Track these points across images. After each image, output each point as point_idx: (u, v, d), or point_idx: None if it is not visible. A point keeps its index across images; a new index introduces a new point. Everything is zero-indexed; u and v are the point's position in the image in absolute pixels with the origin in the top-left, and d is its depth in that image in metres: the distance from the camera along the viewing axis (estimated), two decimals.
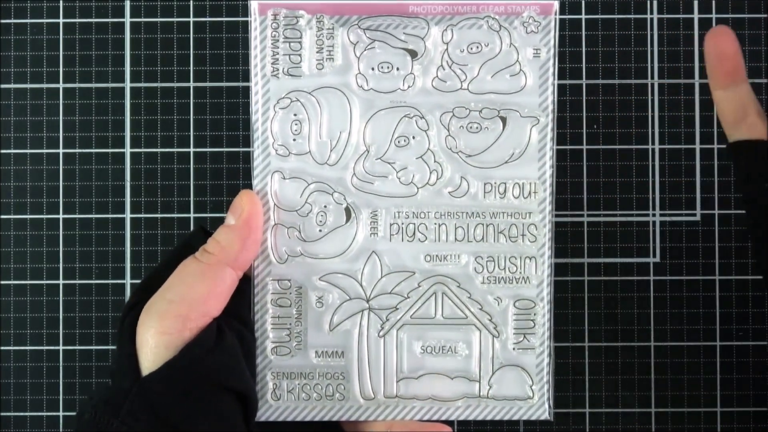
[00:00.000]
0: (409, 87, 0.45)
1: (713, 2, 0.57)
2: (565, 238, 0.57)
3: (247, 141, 0.56)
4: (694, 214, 0.57)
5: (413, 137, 0.46)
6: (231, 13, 0.57)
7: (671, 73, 0.57)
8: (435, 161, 0.46)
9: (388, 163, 0.46)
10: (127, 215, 0.57)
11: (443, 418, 0.46)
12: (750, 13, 0.57)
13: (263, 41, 0.45)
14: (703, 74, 0.57)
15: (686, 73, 0.57)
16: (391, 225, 0.46)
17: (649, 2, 0.57)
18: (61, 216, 0.57)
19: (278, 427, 0.46)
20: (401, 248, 0.46)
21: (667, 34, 0.57)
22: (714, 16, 0.57)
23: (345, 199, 0.46)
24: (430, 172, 0.46)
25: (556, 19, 0.45)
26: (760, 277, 0.57)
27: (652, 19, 0.57)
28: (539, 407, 0.46)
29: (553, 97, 0.45)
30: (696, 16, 0.57)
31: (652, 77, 0.57)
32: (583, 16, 0.57)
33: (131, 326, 0.43)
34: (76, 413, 0.43)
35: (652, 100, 0.57)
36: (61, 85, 0.57)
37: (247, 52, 0.56)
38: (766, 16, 0.57)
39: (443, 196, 0.46)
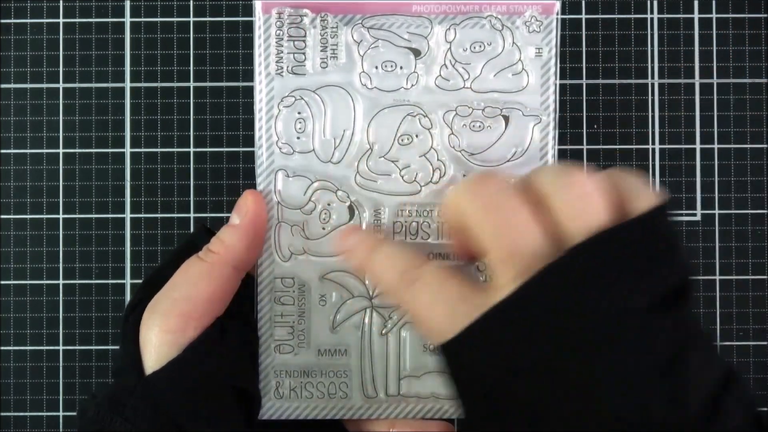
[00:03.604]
0: (412, 86, 0.45)
1: (713, 2, 0.57)
2: None
3: (247, 141, 0.56)
4: (695, 214, 0.57)
5: (416, 136, 0.46)
6: (231, 13, 0.57)
7: (671, 73, 0.57)
8: (438, 159, 0.46)
9: (392, 161, 0.46)
10: (127, 215, 0.57)
11: (445, 417, 0.46)
12: (750, 13, 0.57)
13: (267, 40, 0.45)
14: (703, 74, 0.57)
15: (686, 73, 0.57)
16: (394, 223, 0.46)
17: (649, 2, 0.57)
18: (61, 216, 0.57)
19: (281, 425, 0.46)
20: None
21: (667, 34, 0.57)
22: (714, 16, 0.57)
23: (348, 197, 0.46)
24: (433, 171, 0.46)
25: (557, 18, 0.45)
26: (763, 276, 0.57)
27: (652, 19, 0.57)
28: None
29: (555, 96, 0.46)
30: (696, 16, 0.57)
31: (652, 77, 0.57)
32: (584, 16, 0.57)
33: (135, 324, 0.43)
34: (78, 410, 0.43)
35: (652, 100, 0.57)
36: (61, 85, 0.57)
37: (247, 51, 0.57)
38: (766, 16, 0.57)
39: (446, 194, 0.46)
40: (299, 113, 0.46)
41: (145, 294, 0.44)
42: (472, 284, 0.38)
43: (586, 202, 0.36)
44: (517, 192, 0.37)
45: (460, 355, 0.37)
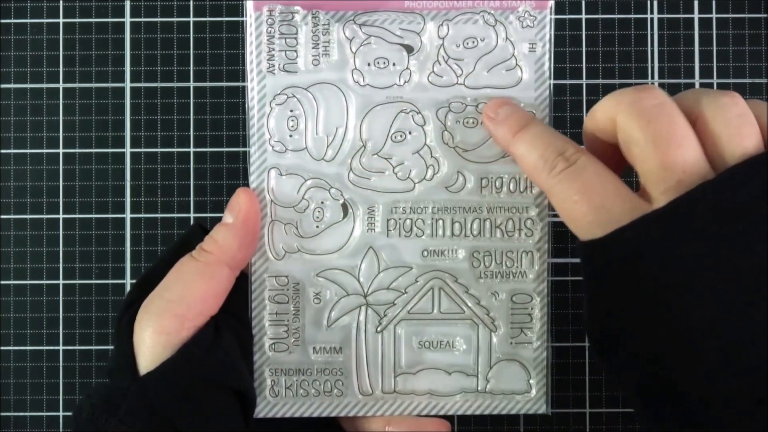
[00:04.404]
0: (405, 82, 0.45)
1: (713, 2, 0.57)
2: (565, 238, 0.57)
3: (247, 141, 0.56)
4: None
5: (410, 132, 0.46)
6: (231, 13, 0.57)
7: (671, 73, 0.57)
8: (432, 156, 0.46)
9: (385, 158, 0.46)
10: (127, 215, 0.57)
11: (441, 413, 0.46)
12: (750, 13, 0.57)
13: (259, 37, 0.45)
14: (703, 74, 0.57)
15: (686, 73, 0.57)
16: (388, 220, 0.46)
17: (649, 2, 0.57)
18: (61, 216, 0.57)
19: (276, 424, 0.46)
20: (399, 243, 0.46)
21: (667, 34, 0.57)
22: (714, 16, 0.57)
23: (342, 194, 0.46)
24: (427, 167, 0.46)
25: (551, 12, 0.45)
26: None
27: (652, 19, 0.57)
28: (537, 401, 0.46)
29: (549, 92, 0.45)
30: (696, 16, 0.57)
31: (652, 77, 0.57)
32: (583, 16, 0.57)
33: (128, 325, 0.43)
34: (74, 410, 0.43)
35: None
36: (61, 85, 0.57)
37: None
38: (766, 16, 0.57)
39: (440, 191, 0.46)
40: (291, 111, 0.46)
41: (139, 294, 0.44)
42: (625, 184, 0.38)
43: (743, 123, 0.36)
44: (676, 106, 0.37)
45: (603, 255, 0.37)
